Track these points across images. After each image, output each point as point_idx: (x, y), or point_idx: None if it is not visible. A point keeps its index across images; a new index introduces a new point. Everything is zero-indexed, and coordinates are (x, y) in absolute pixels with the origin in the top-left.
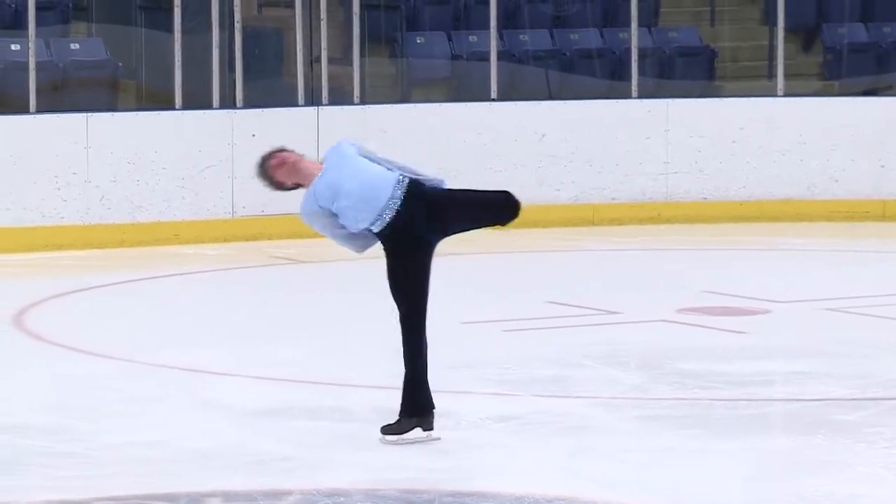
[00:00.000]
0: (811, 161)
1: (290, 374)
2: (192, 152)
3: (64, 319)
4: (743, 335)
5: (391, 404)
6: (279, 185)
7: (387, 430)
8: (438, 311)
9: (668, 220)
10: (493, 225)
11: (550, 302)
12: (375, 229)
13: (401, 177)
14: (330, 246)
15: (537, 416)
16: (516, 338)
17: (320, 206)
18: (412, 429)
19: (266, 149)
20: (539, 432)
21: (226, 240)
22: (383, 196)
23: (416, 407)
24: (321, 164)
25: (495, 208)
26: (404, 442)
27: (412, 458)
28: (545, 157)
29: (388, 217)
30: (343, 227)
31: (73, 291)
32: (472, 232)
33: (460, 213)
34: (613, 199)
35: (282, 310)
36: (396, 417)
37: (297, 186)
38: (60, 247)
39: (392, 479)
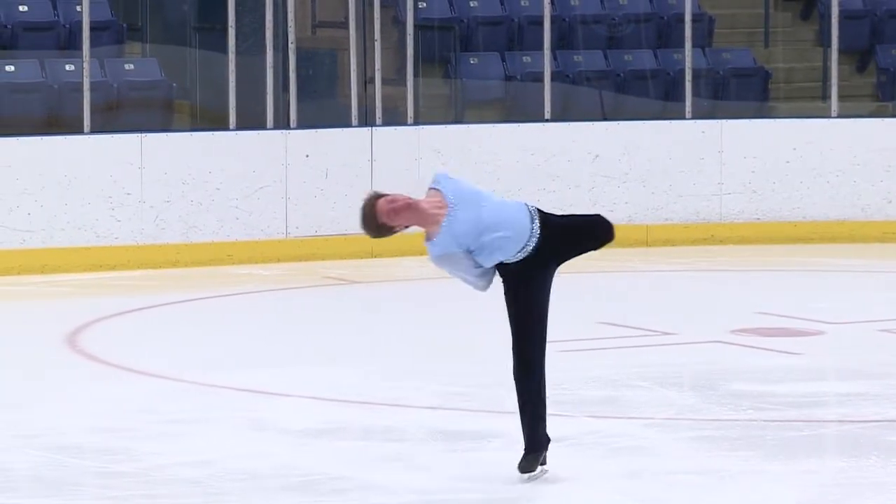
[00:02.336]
0: (865, 182)
1: (342, 395)
2: (246, 173)
3: (117, 340)
4: (797, 356)
5: (443, 425)
6: (387, 230)
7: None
8: (491, 333)
9: (722, 241)
10: (593, 248)
11: (603, 322)
12: (514, 260)
13: (526, 205)
14: (381, 267)
15: (591, 436)
16: (569, 358)
17: (459, 246)
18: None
19: (367, 194)
20: (592, 453)
21: (279, 260)
22: (526, 226)
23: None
24: (437, 201)
25: (597, 231)
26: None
27: (464, 480)
28: (598, 178)
29: (531, 247)
30: (478, 265)
31: (127, 312)
32: None
33: (574, 237)
34: (667, 219)
35: (333, 330)
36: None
37: (404, 229)
38: (114, 267)
39: (444, 500)
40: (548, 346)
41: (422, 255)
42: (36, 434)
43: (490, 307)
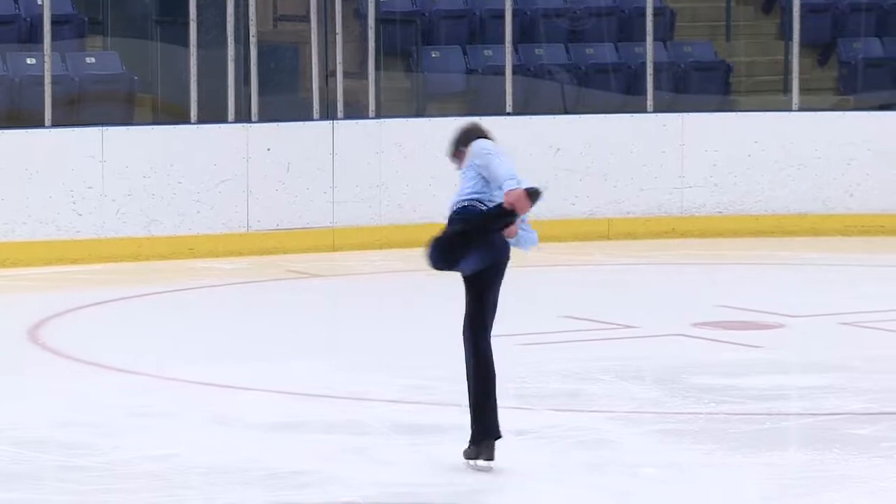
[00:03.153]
0: (826, 176)
1: (305, 389)
2: (208, 166)
3: (79, 333)
4: (758, 350)
5: (405, 418)
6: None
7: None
8: (453, 327)
9: (683, 235)
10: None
11: (566, 316)
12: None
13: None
14: (344, 260)
15: (553, 430)
16: (532, 352)
17: None
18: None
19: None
20: (555, 446)
21: (241, 254)
22: None
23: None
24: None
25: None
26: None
27: (426, 473)
28: (560, 171)
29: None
30: None
31: (89, 305)
32: None
33: None
34: (628, 213)
35: (296, 324)
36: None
37: None
38: (76, 261)
39: (406, 494)
40: (510, 339)
41: (383, 248)
42: None
43: (449, 300)
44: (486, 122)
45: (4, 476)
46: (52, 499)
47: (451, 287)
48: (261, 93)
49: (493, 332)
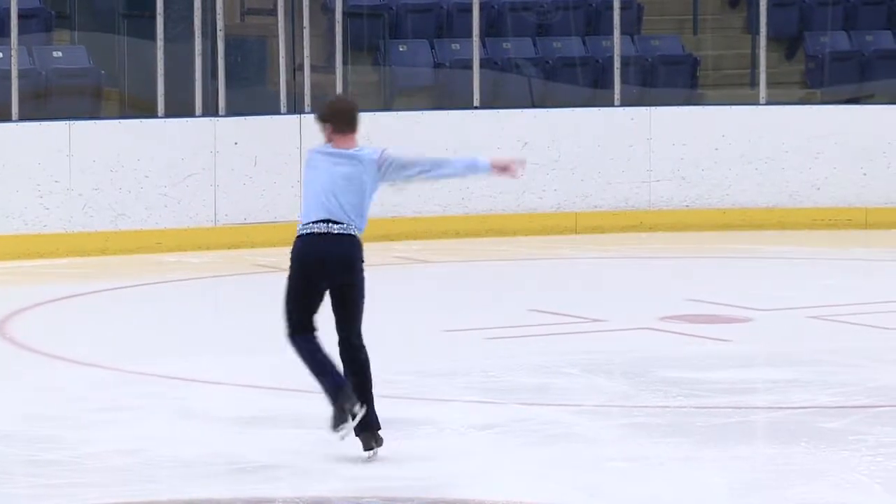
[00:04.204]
0: (793, 169)
1: (273, 383)
2: (175, 160)
3: (47, 328)
4: (726, 343)
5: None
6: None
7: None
8: (421, 319)
9: (651, 229)
10: None
11: (533, 310)
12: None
13: None
14: None
15: (520, 423)
16: (499, 346)
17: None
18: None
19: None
20: (522, 440)
21: (208, 248)
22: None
23: None
24: None
25: None
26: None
27: (395, 467)
28: (528, 165)
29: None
30: None
31: (56, 300)
32: (455, 240)
33: None
34: (596, 206)
35: (264, 318)
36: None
37: None
38: (43, 255)
39: (375, 488)
40: (478, 333)
41: None
42: None
43: (421, 295)
44: (453, 115)
45: None
46: (21, 492)
47: (422, 282)
48: (228, 87)
49: (461, 326)
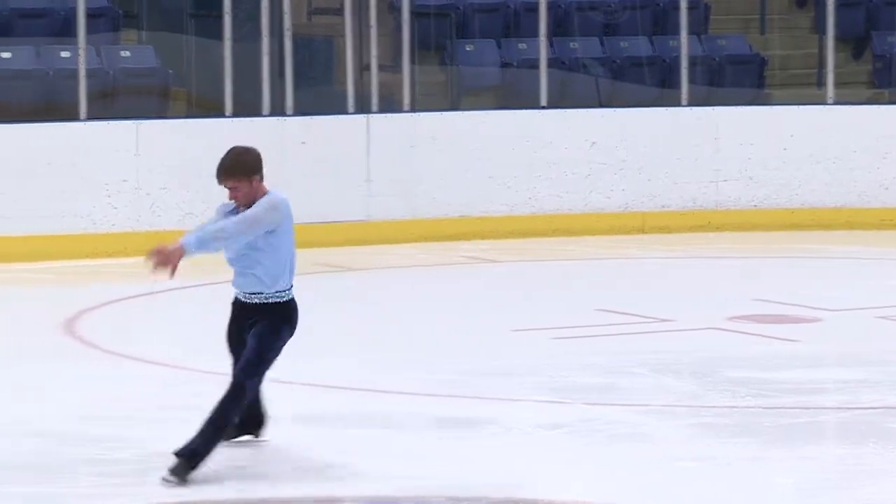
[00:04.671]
0: (861, 169)
1: (337, 382)
2: None
3: (114, 327)
4: (794, 343)
5: (436, 412)
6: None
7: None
8: (488, 319)
9: (718, 228)
10: None
11: (601, 309)
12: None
13: None
14: (376, 254)
15: (587, 423)
16: (567, 345)
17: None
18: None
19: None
20: (589, 440)
21: None
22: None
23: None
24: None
25: None
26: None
27: (462, 467)
28: (595, 165)
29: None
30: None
31: (124, 298)
32: (522, 240)
33: None
34: (663, 206)
35: (328, 318)
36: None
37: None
38: (111, 254)
39: (440, 486)
40: (545, 333)
41: (417, 241)
42: (32, 421)
43: (488, 295)
44: (520, 115)
45: (37, 468)
46: (87, 492)
47: (489, 282)
48: (295, 86)
49: (529, 326)
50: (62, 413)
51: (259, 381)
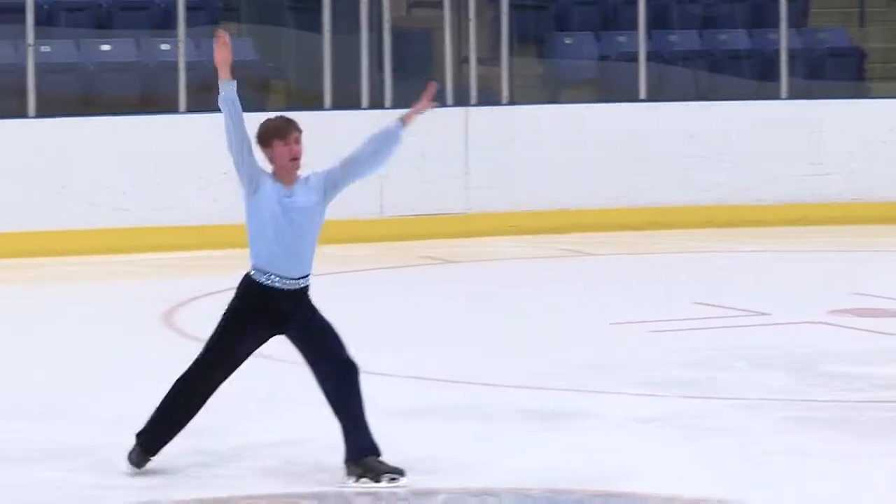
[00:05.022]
0: None
1: (435, 374)
2: (341, 152)
3: (212, 319)
4: (893, 337)
5: (534, 405)
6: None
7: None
8: (585, 312)
9: (816, 222)
10: None
11: (697, 303)
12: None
13: None
14: (477, 246)
15: (683, 417)
16: (663, 338)
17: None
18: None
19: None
20: (685, 434)
21: (374, 240)
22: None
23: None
24: None
25: None
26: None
27: (558, 459)
28: (693, 158)
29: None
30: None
31: (222, 291)
32: (620, 233)
33: None
34: (761, 200)
35: (427, 310)
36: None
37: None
38: (208, 246)
39: (538, 479)
40: (641, 326)
41: (516, 234)
42: (132, 413)
43: (586, 288)
44: (618, 108)
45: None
46: (185, 483)
47: (587, 275)
48: (394, 79)
49: (626, 319)
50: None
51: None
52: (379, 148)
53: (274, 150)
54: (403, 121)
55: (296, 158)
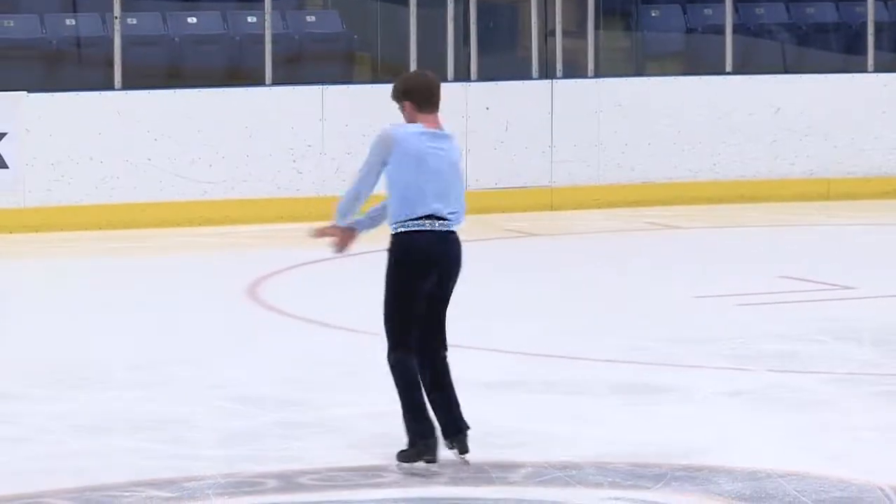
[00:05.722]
0: None
1: (521, 348)
2: None
3: (298, 291)
4: None
5: (622, 378)
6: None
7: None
8: (671, 286)
9: None
10: None
11: (784, 276)
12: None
13: None
14: (561, 219)
15: (770, 391)
16: (749, 312)
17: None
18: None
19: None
20: (771, 407)
21: None
22: None
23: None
24: None
25: None
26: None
27: (642, 433)
28: (780, 131)
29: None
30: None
31: (308, 263)
32: (706, 206)
33: None
34: (849, 173)
35: (513, 283)
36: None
37: None
38: (295, 219)
39: (622, 453)
40: (728, 300)
41: (601, 207)
42: (216, 385)
43: (672, 261)
44: (705, 81)
45: (224, 432)
46: (271, 455)
47: (672, 248)
48: (480, 52)
49: (712, 292)
50: (247, 377)
51: (392, 346)
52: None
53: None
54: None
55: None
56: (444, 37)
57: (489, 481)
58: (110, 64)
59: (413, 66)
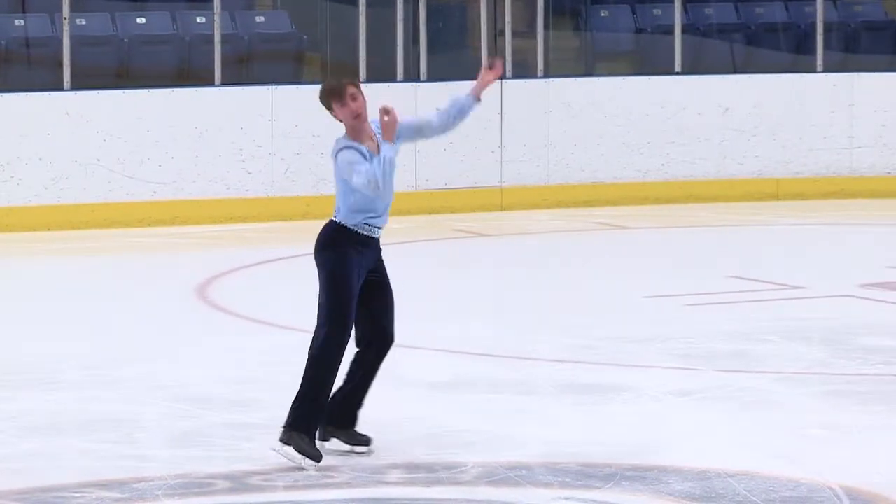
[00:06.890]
0: None
1: (470, 348)
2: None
3: (247, 291)
4: None
5: (571, 378)
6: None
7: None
8: (620, 286)
9: (852, 195)
10: None
11: (733, 276)
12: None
13: None
14: (511, 220)
15: (719, 390)
16: (699, 312)
17: None
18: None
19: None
20: (721, 407)
21: (408, 213)
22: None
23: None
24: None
25: None
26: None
27: (592, 432)
28: (729, 131)
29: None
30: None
31: (257, 263)
32: (654, 206)
33: None
34: (797, 173)
35: (462, 284)
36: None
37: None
38: (245, 219)
39: (572, 453)
40: (678, 300)
41: (551, 207)
42: (165, 386)
43: (621, 261)
44: (654, 81)
45: (173, 433)
46: (219, 455)
47: (619, 248)
48: (429, 52)
49: (661, 292)
50: (195, 377)
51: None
52: (449, 122)
53: (336, 113)
54: (475, 95)
55: (357, 115)
56: (393, 37)
57: (438, 481)
58: (59, 64)
59: (363, 66)
